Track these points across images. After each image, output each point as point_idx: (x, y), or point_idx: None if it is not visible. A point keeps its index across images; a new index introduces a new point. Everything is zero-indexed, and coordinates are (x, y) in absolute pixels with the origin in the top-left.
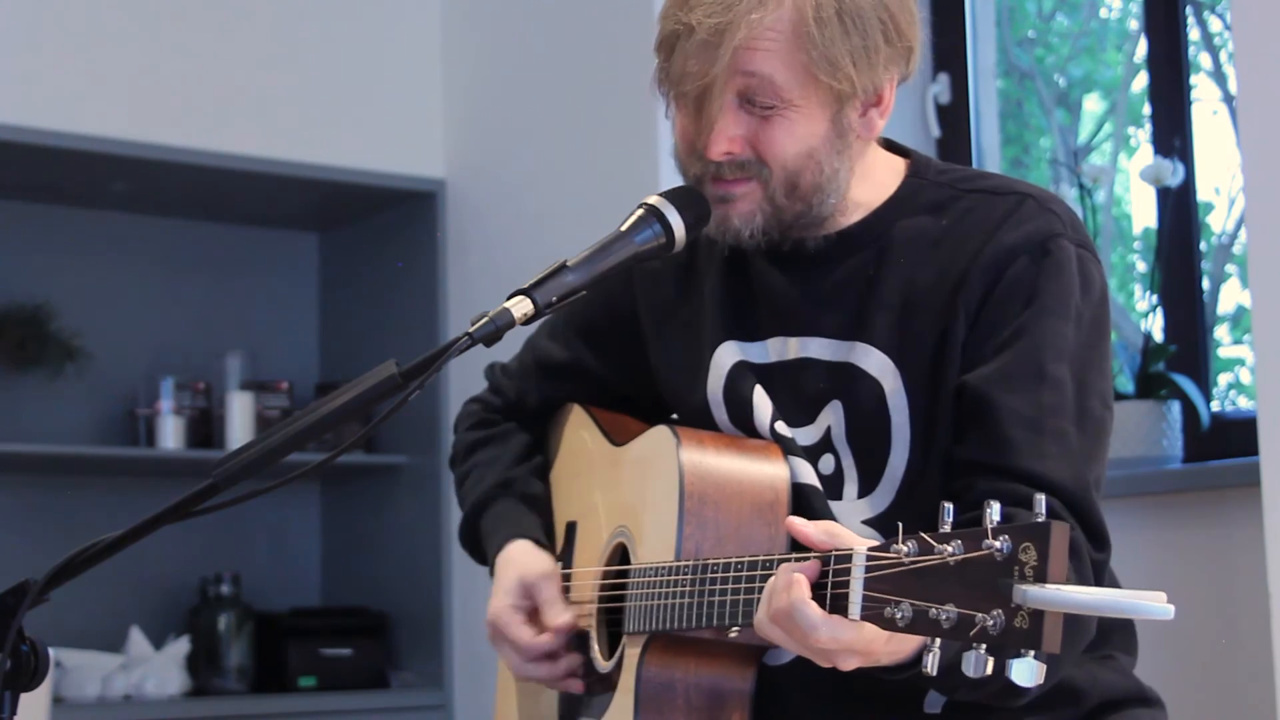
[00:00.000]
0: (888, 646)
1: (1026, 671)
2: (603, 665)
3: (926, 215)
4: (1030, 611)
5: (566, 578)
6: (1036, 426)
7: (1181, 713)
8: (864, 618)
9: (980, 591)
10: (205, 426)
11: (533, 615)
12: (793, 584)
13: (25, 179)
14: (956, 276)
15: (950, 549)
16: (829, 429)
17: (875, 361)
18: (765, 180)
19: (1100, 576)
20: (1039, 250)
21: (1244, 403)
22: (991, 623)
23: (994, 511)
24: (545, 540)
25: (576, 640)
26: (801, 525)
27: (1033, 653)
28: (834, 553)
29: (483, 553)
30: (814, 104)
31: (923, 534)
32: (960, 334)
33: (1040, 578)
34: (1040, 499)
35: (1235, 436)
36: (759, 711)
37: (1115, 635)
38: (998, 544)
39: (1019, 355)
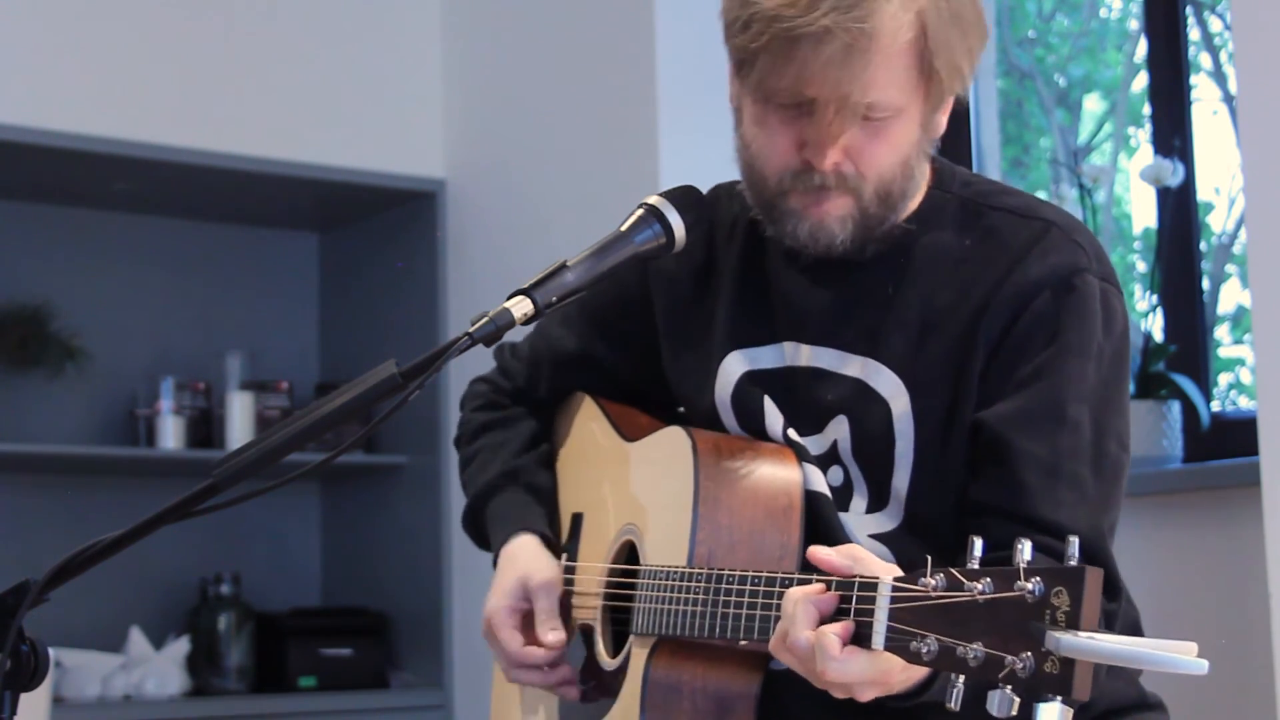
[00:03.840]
0: (902, 675)
1: (1054, 716)
2: (608, 664)
3: (949, 232)
4: (1061, 658)
5: (571, 570)
6: (1053, 472)
7: (1181, 713)
8: (888, 649)
9: (1010, 633)
10: (205, 426)
11: (528, 619)
12: (814, 620)
13: (25, 179)
14: (977, 304)
15: (980, 586)
16: (835, 442)
17: (886, 381)
18: (859, 193)
19: (1111, 626)
20: (1063, 286)
21: (1244, 403)
22: (1021, 665)
23: (1025, 551)
24: (551, 534)
25: (581, 637)
26: (824, 555)
27: (1060, 698)
28: (858, 579)
29: (485, 539)
30: (915, 107)
31: (952, 569)
32: (978, 366)
33: (1073, 624)
34: (1074, 540)
35: (1235, 436)
36: (763, 716)
37: None
38: (1029, 586)
39: (1038, 396)
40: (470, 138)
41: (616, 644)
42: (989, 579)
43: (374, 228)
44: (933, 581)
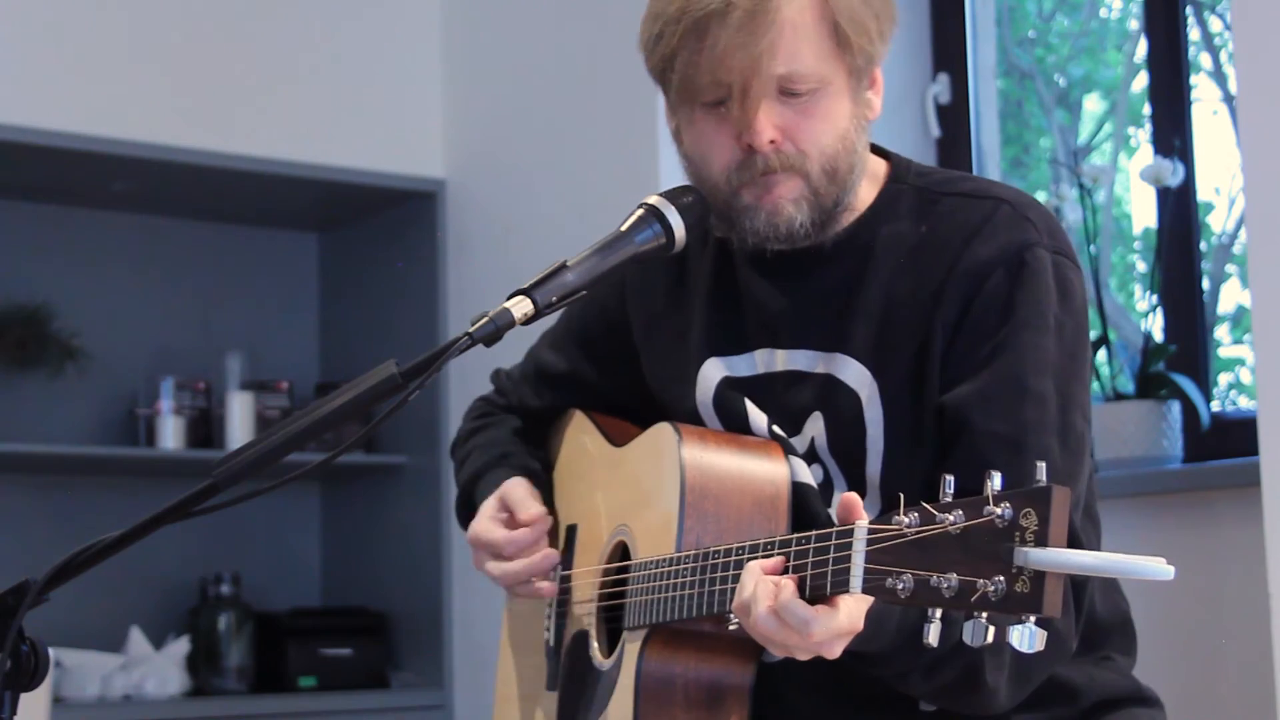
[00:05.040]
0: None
1: (1026, 637)
2: (602, 662)
3: (905, 221)
4: (1031, 575)
5: (566, 579)
6: (1017, 447)
7: (1180, 713)
8: (865, 590)
9: (982, 558)
10: (205, 426)
11: (510, 525)
12: (768, 594)
13: (25, 179)
14: (933, 289)
15: (952, 518)
16: (813, 440)
17: (853, 372)
18: (805, 172)
19: (1081, 598)
20: (1014, 262)
21: (1244, 403)
22: (993, 589)
23: (995, 481)
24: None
25: (576, 643)
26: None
27: (1033, 618)
28: (835, 529)
29: None
30: (840, 79)
31: (925, 504)
32: (939, 349)
33: (1041, 541)
34: (1042, 465)
35: (1235, 436)
36: (757, 707)
37: (1114, 637)
38: (999, 510)
39: (997, 374)
40: (470, 138)
41: (611, 645)
42: (960, 510)
43: (374, 228)
44: (906, 519)
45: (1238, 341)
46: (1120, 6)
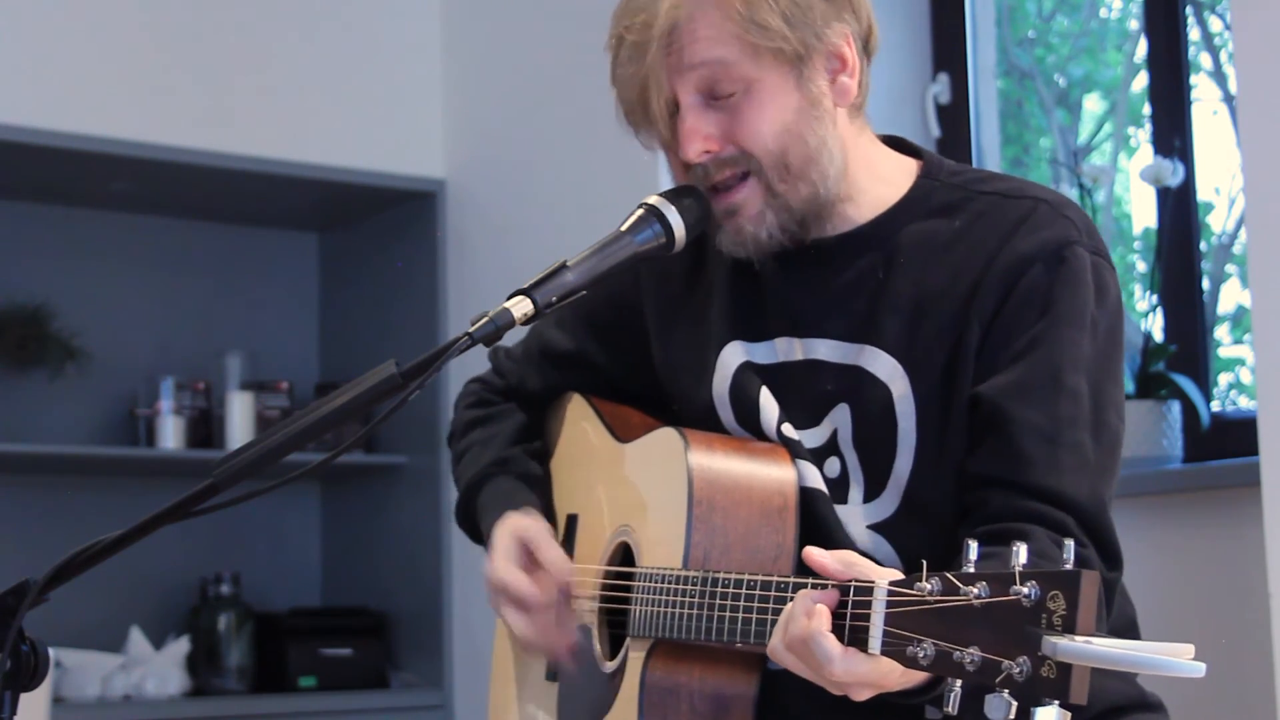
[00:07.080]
0: (901, 679)
1: (1050, 719)
2: (606, 666)
3: (938, 218)
4: (1058, 662)
5: None
6: (1053, 439)
7: (1180, 713)
8: (884, 653)
9: (1006, 637)
10: (205, 426)
11: (530, 571)
12: (813, 613)
13: (25, 179)
14: (969, 284)
15: (976, 590)
16: (835, 431)
17: (884, 365)
18: (758, 172)
19: (1112, 595)
20: (1054, 258)
21: (1244, 403)
22: (1018, 670)
23: (1021, 554)
24: (542, 517)
25: (582, 633)
26: (819, 556)
27: (1058, 702)
28: (854, 583)
29: (479, 531)
30: (772, 75)
31: (947, 574)
32: (974, 343)
33: (1069, 628)
34: (1070, 544)
35: (1235, 436)
36: (761, 716)
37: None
38: (1025, 590)
39: (1035, 366)
40: (470, 138)
41: (613, 645)
42: (984, 583)
43: (374, 228)
44: (928, 586)
45: (1238, 341)
46: (1120, 6)
